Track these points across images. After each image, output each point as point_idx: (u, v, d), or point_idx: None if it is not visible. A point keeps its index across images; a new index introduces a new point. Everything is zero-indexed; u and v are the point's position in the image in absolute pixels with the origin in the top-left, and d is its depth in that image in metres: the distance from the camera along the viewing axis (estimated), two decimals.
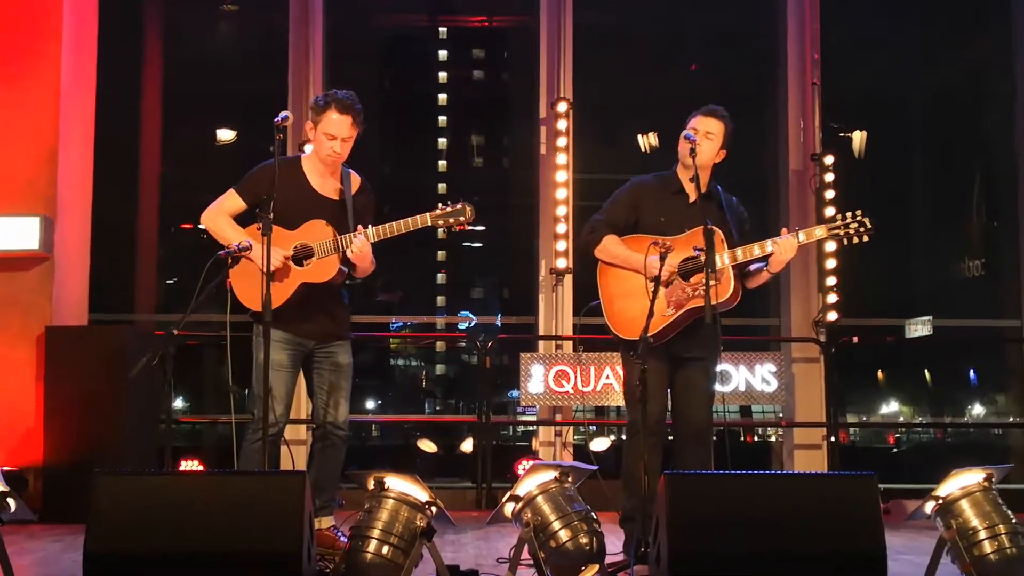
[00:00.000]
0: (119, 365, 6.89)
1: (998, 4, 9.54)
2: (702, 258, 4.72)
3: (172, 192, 9.94)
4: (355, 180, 5.14)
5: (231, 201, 5.02)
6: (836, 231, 4.99)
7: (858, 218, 4.97)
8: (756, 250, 4.92)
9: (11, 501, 4.28)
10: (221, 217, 5.00)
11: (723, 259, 4.86)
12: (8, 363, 7.39)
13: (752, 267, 5.06)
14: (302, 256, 4.88)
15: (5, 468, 6.15)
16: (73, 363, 7.11)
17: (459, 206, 4.88)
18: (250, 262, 4.80)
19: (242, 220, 5.04)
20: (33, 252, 7.40)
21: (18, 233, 7.37)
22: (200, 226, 5.08)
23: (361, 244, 4.82)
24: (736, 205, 5.20)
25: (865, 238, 4.98)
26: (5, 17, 7.67)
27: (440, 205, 4.89)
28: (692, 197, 5.06)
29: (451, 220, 4.87)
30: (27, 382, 7.35)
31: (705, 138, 5.01)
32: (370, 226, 4.87)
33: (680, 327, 4.93)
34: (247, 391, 5.14)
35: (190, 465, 7.87)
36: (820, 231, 5.01)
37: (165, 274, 10.30)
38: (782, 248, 4.89)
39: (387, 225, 4.87)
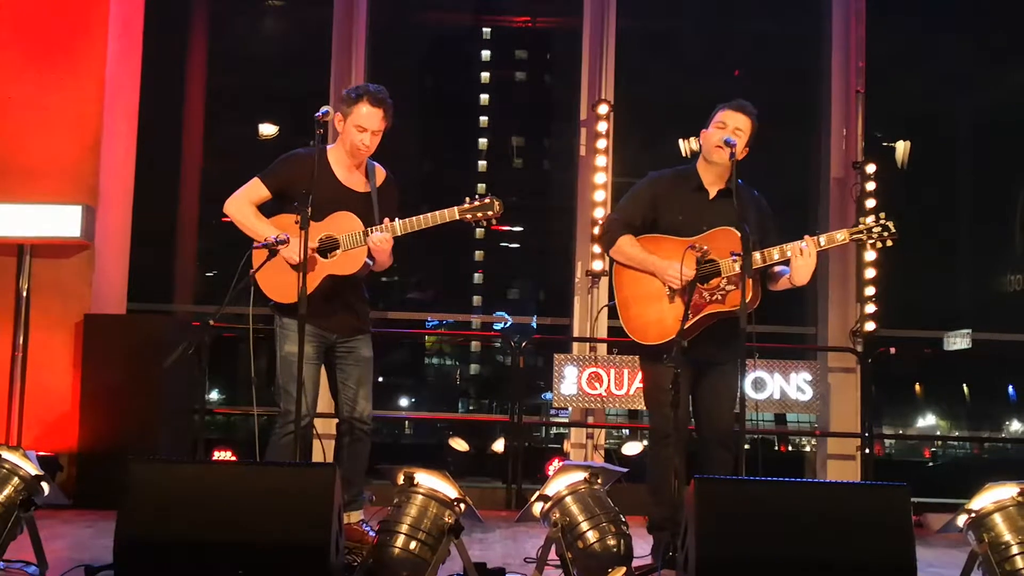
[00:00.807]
0: (156, 354, 6.89)
1: None
2: (729, 264, 4.68)
3: (213, 185, 10.00)
4: (380, 173, 5.12)
5: (256, 190, 4.99)
6: (858, 235, 4.89)
7: (882, 222, 4.88)
8: (776, 254, 4.81)
9: (45, 485, 4.32)
10: (246, 206, 4.97)
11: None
12: (47, 349, 7.46)
13: (776, 269, 4.94)
14: (327, 248, 4.86)
15: (40, 453, 6.20)
16: (110, 351, 7.18)
17: (487, 200, 4.83)
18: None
19: (266, 211, 5.03)
20: (74, 240, 7.47)
21: (60, 221, 7.43)
22: (224, 213, 5.08)
23: (381, 237, 4.81)
24: (758, 199, 5.04)
25: (889, 242, 4.86)
26: (53, 7, 7.75)
27: (468, 199, 4.85)
28: (712, 194, 4.97)
29: (479, 214, 4.83)
30: (64, 368, 7.43)
31: (733, 134, 4.86)
32: (396, 219, 4.86)
33: (697, 331, 4.81)
34: (270, 387, 5.14)
35: (223, 456, 7.91)
36: (841, 235, 4.87)
37: (204, 266, 10.37)
38: (802, 259, 4.75)
39: (414, 219, 4.83)
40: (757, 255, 4.77)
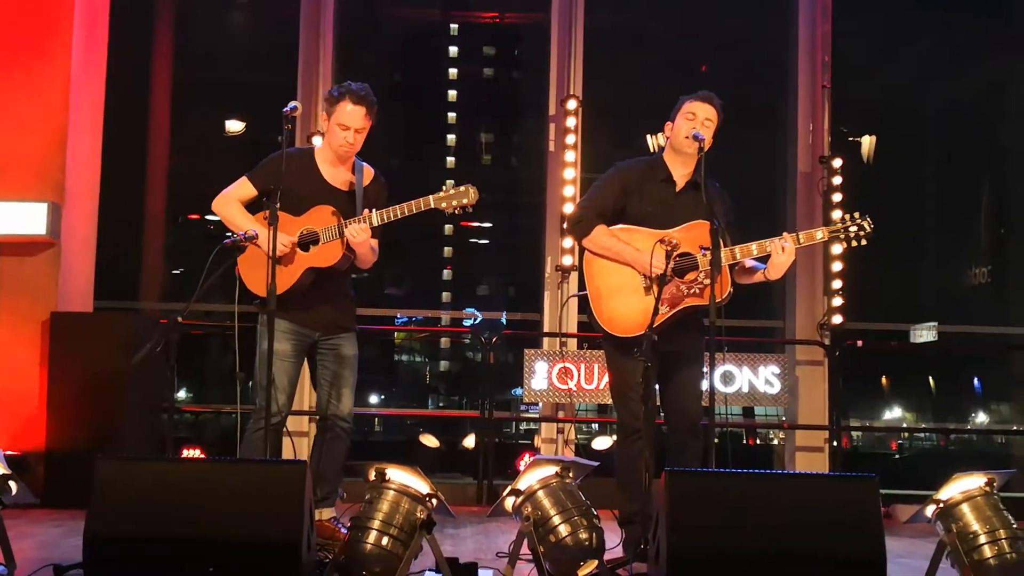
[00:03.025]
0: (123, 352, 6.86)
1: (1013, 19, 9.54)
2: (704, 258, 4.69)
3: (180, 181, 9.95)
4: (368, 172, 5.13)
5: (243, 188, 5.02)
6: (837, 233, 4.94)
7: (858, 220, 4.93)
8: (754, 249, 4.83)
9: (13, 484, 4.29)
10: (232, 204, 5.00)
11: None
12: (13, 347, 7.41)
13: (747, 264, 4.95)
14: (308, 241, 4.88)
15: (7, 452, 6.15)
16: (78, 349, 7.14)
17: (462, 188, 4.83)
18: (258, 249, 4.81)
19: (253, 209, 5.04)
20: (40, 237, 7.42)
21: (26, 218, 7.39)
22: (210, 214, 5.08)
23: (358, 228, 4.81)
24: (720, 191, 5.03)
25: (864, 241, 4.94)
26: (18, 3, 7.68)
27: (444, 187, 4.86)
28: (679, 185, 4.97)
29: (454, 202, 4.83)
30: (31, 367, 7.37)
31: (702, 125, 4.88)
32: (373, 210, 4.86)
33: (672, 324, 4.82)
34: (250, 382, 5.14)
35: (192, 454, 7.87)
36: (820, 233, 4.93)
37: (171, 263, 10.31)
38: (781, 255, 4.80)
39: (390, 209, 4.84)
40: (737, 250, 4.80)
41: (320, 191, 4.96)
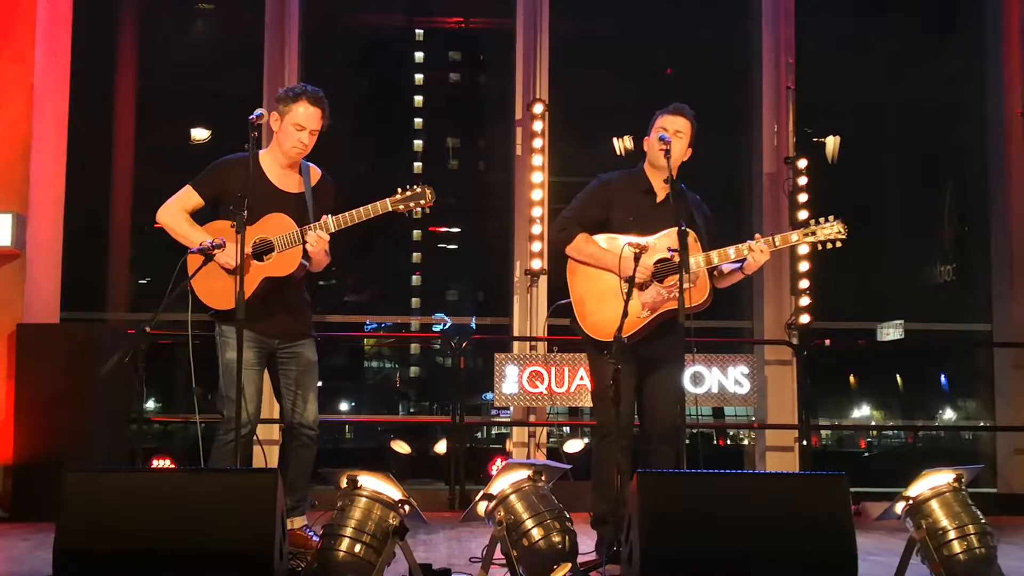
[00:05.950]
0: (91, 363, 6.86)
1: (971, 19, 9.64)
2: (676, 259, 4.73)
3: (145, 191, 9.86)
4: (315, 173, 5.11)
5: (188, 197, 4.97)
6: (811, 236, 5.01)
7: (831, 223, 5.01)
8: (732, 253, 4.93)
9: None
10: (180, 214, 4.94)
11: (698, 262, 4.87)
12: None
13: (726, 268, 5.05)
14: (262, 251, 4.83)
15: None
16: (44, 361, 7.09)
17: (418, 190, 4.84)
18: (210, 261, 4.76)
19: (199, 217, 5.00)
20: (5, 249, 7.37)
21: None
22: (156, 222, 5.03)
23: (316, 236, 4.79)
24: (701, 203, 5.19)
25: (839, 244, 5.02)
26: None
27: (399, 190, 4.86)
28: (660, 197, 5.08)
29: (411, 204, 4.83)
30: None
31: (675, 137, 5.00)
32: (329, 216, 4.84)
33: (651, 328, 4.93)
34: (208, 395, 5.10)
35: (161, 465, 7.82)
36: (795, 236, 5.03)
37: (138, 273, 10.24)
38: (757, 256, 4.91)
39: (347, 214, 4.82)
40: (713, 255, 4.91)
41: (270, 197, 4.91)
